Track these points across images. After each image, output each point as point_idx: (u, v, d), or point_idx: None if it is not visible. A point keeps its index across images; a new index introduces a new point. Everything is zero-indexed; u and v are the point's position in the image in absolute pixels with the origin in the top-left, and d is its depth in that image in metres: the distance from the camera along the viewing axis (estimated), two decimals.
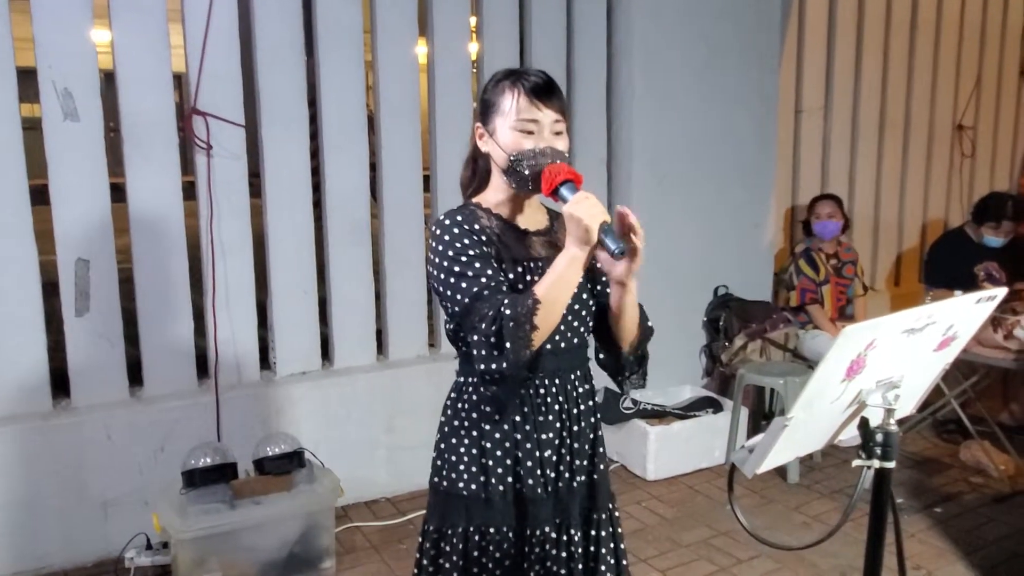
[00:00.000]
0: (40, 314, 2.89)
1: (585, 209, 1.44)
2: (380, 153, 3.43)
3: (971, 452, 3.78)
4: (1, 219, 2.78)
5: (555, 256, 1.53)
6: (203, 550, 2.67)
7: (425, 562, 1.69)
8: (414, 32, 3.43)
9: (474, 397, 1.63)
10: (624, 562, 1.75)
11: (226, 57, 3.05)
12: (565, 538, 1.66)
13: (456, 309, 1.54)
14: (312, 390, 3.35)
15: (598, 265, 1.59)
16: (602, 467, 1.73)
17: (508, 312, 1.46)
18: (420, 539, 1.73)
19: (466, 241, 1.55)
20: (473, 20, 3.64)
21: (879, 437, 1.38)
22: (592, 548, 1.70)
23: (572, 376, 1.66)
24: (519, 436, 1.62)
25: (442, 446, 1.68)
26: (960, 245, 4.29)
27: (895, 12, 5.12)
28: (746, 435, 3.79)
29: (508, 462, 1.62)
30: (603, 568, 1.70)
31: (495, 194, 1.65)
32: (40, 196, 2.86)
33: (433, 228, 1.60)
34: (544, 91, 1.56)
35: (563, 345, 1.63)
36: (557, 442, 1.65)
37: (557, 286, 1.49)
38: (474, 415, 1.63)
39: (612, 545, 1.73)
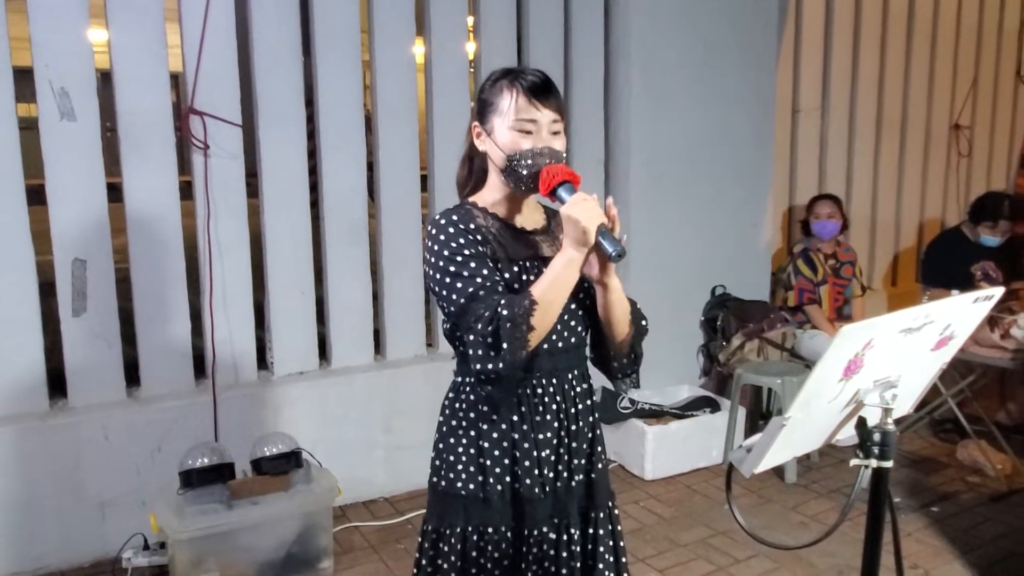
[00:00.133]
0: (37, 314, 2.88)
1: (582, 211, 1.44)
2: (377, 153, 3.43)
3: (968, 451, 3.79)
4: None
5: (552, 256, 1.53)
6: (200, 550, 2.66)
7: (424, 562, 1.69)
8: (411, 32, 3.43)
9: (472, 397, 1.63)
10: (623, 560, 1.75)
11: (223, 57, 3.05)
12: (565, 538, 1.66)
13: (452, 309, 1.54)
14: (309, 390, 3.35)
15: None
16: (600, 466, 1.73)
17: (505, 313, 1.46)
18: (419, 539, 1.73)
19: (461, 241, 1.55)
20: (470, 20, 3.64)
21: (876, 436, 1.38)
22: (591, 547, 1.70)
23: (569, 376, 1.66)
24: (516, 436, 1.62)
25: (440, 446, 1.68)
26: (957, 245, 4.29)
27: (892, 12, 5.13)
28: (744, 435, 3.80)
29: (506, 462, 1.62)
30: (601, 567, 1.70)
31: (492, 193, 1.64)
32: (37, 196, 2.86)
33: (429, 227, 1.60)
34: (542, 91, 1.56)
35: (560, 345, 1.63)
36: (555, 442, 1.65)
37: (554, 287, 1.49)
38: (472, 415, 1.63)
39: (611, 543, 1.73)
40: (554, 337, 1.60)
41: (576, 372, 1.68)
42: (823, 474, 3.71)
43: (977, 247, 4.21)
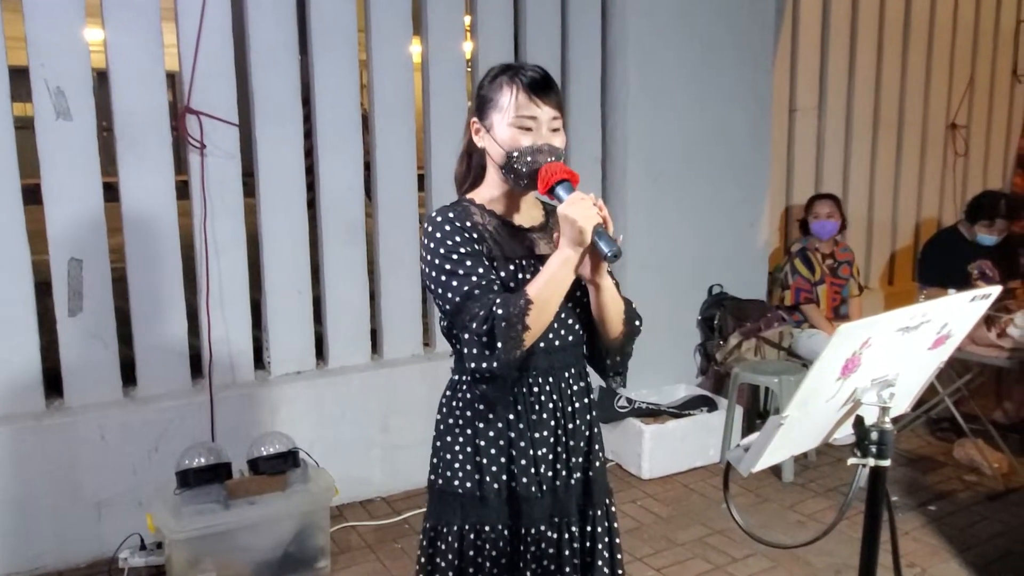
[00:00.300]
0: (33, 314, 2.88)
1: (579, 210, 1.44)
2: (374, 152, 3.43)
3: (965, 450, 3.79)
4: None
5: (549, 254, 1.53)
6: (197, 550, 2.66)
7: (424, 560, 1.70)
8: (408, 31, 3.43)
9: (468, 395, 1.63)
10: (619, 556, 1.75)
11: (220, 56, 3.04)
12: (567, 536, 1.66)
13: (448, 307, 1.54)
14: (307, 390, 3.34)
15: None
16: (598, 464, 1.73)
17: (500, 312, 1.46)
18: (420, 537, 1.73)
19: (457, 239, 1.54)
20: (467, 19, 3.63)
21: (874, 435, 1.38)
22: (588, 544, 1.70)
23: (566, 374, 1.66)
24: (513, 434, 1.62)
25: (438, 444, 1.68)
26: (954, 243, 4.30)
27: (889, 12, 5.14)
28: (741, 434, 3.80)
29: (502, 460, 1.62)
30: (600, 564, 1.70)
31: (490, 190, 1.64)
32: (33, 196, 2.85)
33: (426, 224, 1.60)
34: (542, 87, 1.55)
35: (557, 343, 1.62)
36: (552, 440, 1.65)
37: (550, 287, 1.48)
38: (468, 413, 1.63)
39: (608, 540, 1.73)
40: (551, 335, 1.60)
41: (573, 370, 1.68)
42: (820, 473, 3.71)
43: (974, 246, 4.22)
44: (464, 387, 1.64)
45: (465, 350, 1.50)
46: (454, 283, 1.52)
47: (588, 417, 1.71)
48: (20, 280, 2.83)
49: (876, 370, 1.37)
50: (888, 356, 1.36)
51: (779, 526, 3.25)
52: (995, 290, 1.44)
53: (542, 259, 1.57)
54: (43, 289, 2.91)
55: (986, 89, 5.80)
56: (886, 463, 1.39)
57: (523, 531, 1.64)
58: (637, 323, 1.69)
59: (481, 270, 1.53)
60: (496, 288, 1.53)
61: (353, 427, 3.42)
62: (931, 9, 5.36)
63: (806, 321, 4.17)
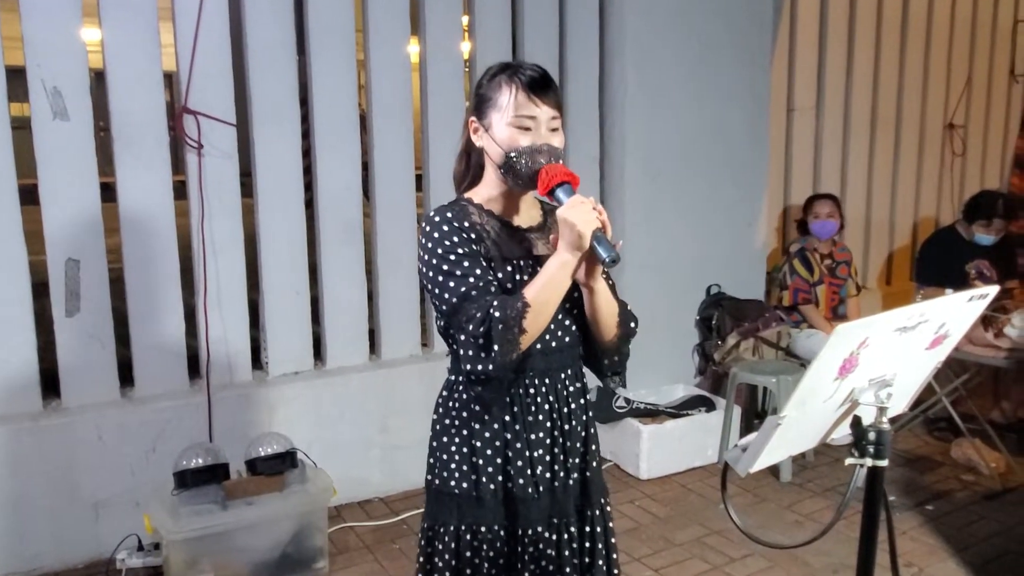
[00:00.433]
0: (30, 314, 2.87)
1: (579, 214, 1.43)
2: (372, 152, 3.43)
3: (962, 450, 3.80)
4: None
5: (547, 254, 1.52)
6: (195, 551, 2.66)
7: (422, 560, 1.70)
8: (406, 31, 3.43)
9: (465, 396, 1.63)
10: (615, 555, 1.75)
11: (217, 56, 3.04)
12: (566, 536, 1.66)
13: (445, 308, 1.54)
14: (305, 390, 3.34)
15: None
16: (595, 464, 1.73)
17: (497, 315, 1.45)
18: (419, 537, 1.73)
19: (455, 239, 1.54)
20: (465, 19, 3.63)
21: (871, 435, 1.38)
22: (588, 544, 1.70)
23: (562, 375, 1.66)
24: (509, 436, 1.61)
25: (434, 444, 1.68)
26: (951, 243, 4.30)
27: (886, 11, 5.14)
28: (739, 434, 3.80)
29: (498, 461, 1.62)
30: (600, 563, 1.70)
31: (488, 189, 1.63)
32: (30, 196, 2.85)
33: (423, 224, 1.59)
34: (541, 86, 1.54)
35: (553, 344, 1.62)
36: (548, 441, 1.65)
37: (547, 290, 1.48)
38: (464, 414, 1.63)
39: (604, 540, 1.73)
40: (547, 337, 1.60)
41: (569, 371, 1.67)
42: (818, 473, 3.71)
43: (971, 246, 4.22)
44: (460, 388, 1.64)
45: (461, 351, 1.50)
46: (451, 284, 1.52)
47: (584, 418, 1.71)
48: (17, 280, 2.83)
49: (874, 370, 1.37)
50: (886, 356, 1.36)
51: (777, 526, 3.25)
52: (992, 290, 1.44)
53: (540, 260, 1.57)
54: (40, 289, 2.91)
55: (984, 89, 5.81)
56: (884, 463, 1.39)
57: (520, 532, 1.63)
58: (632, 325, 1.68)
59: (479, 271, 1.53)
60: (493, 289, 1.53)
61: (351, 427, 3.42)
62: (929, 9, 5.36)
63: (804, 321, 4.18)
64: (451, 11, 3.50)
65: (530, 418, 1.62)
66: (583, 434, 1.70)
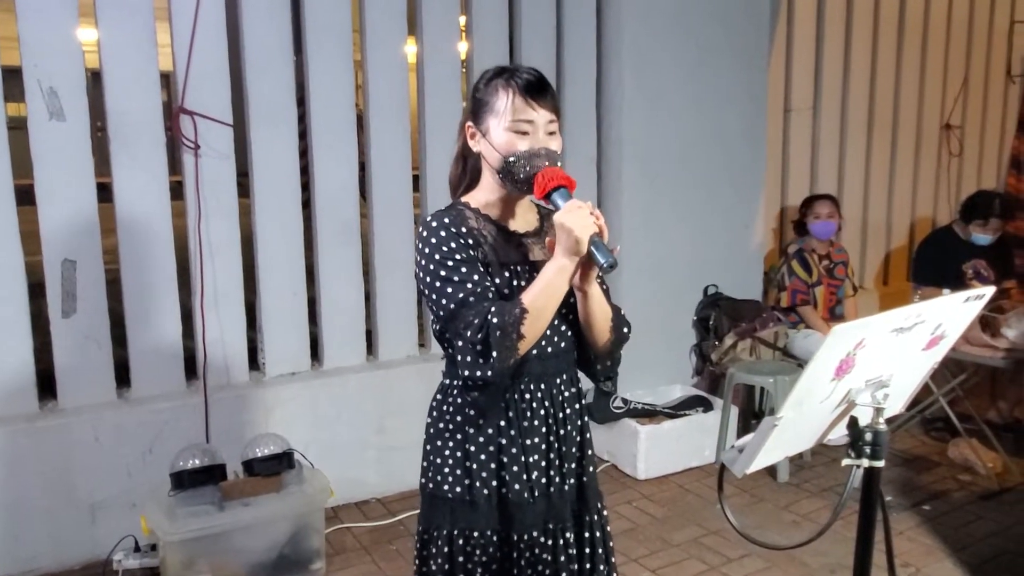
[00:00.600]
0: (26, 315, 2.86)
1: (576, 219, 1.42)
2: (369, 152, 3.42)
3: (959, 450, 3.80)
4: None
5: (543, 259, 1.52)
6: (192, 552, 2.65)
7: (418, 562, 1.70)
8: (403, 31, 3.42)
9: (459, 400, 1.62)
10: (612, 559, 1.75)
11: (214, 56, 3.03)
12: (562, 542, 1.65)
13: (442, 313, 1.53)
14: (302, 391, 3.34)
15: None
16: (591, 469, 1.73)
17: (495, 320, 1.45)
18: (415, 539, 1.73)
19: (453, 245, 1.53)
20: (462, 19, 3.63)
21: (868, 436, 1.38)
22: (588, 550, 1.70)
23: (558, 380, 1.65)
24: (504, 441, 1.61)
25: (428, 448, 1.68)
26: (948, 243, 4.30)
27: (883, 12, 5.15)
28: (736, 434, 3.80)
29: (492, 466, 1.61)
30: (601, 567, 1.70)
31: (485, 194, 1.63)
32: (26, 196, 2.84)
33: (420, 229, 1.58)
34: (538, 90, 1.54)
35: (549, 350, 1.62)
36: (544, 447, 1.64)
37: (544, 295, 1.48)
38: (459, 418, 1.62)
39: (602, 544, 1.73)
40: (543, 342, 1.59)
41: (565, 376, 1.67)
42: (815, 473, 3.72)
43: (968, 245, 4.22)
44: (455, 392, 1.63)
45: (459, 357, 1.49)
46: (449, 289, 1.51)
47: (580, 423, 1.70)
48: (13, 281, 2.82)
49: (870, 371, 1.37)
50: (882, 357, 1.37)
51: (774, 526, 3.25)
52: (989, 290, 1.44)
53: (536, 265, 1.56)
54: (36, 290, 2.91)
55: (980, 89, 5.82)
56: (880, 464, 1.39)
57: (516, 537, 1.63)
58: (625, 330, 1.67)
59: (476, 277, 1.52)
60: (491, 295, 1.52)
61: (348, 428, 3.41)
62: (925, 9, 5.37)
63: (802, 321, 4.18)
64: (448, 12, 3.49)
65: (525, 423, 1.62)
66: (579, 439, 1.70)
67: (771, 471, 3.65)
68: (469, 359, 1.47)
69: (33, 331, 2.90)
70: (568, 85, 3.81)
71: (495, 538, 1.62)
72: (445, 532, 1.63)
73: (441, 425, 1.65)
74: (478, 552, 1.62)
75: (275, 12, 3.14)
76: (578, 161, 3.82)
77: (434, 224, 1.56)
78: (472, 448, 1.61)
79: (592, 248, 1.43)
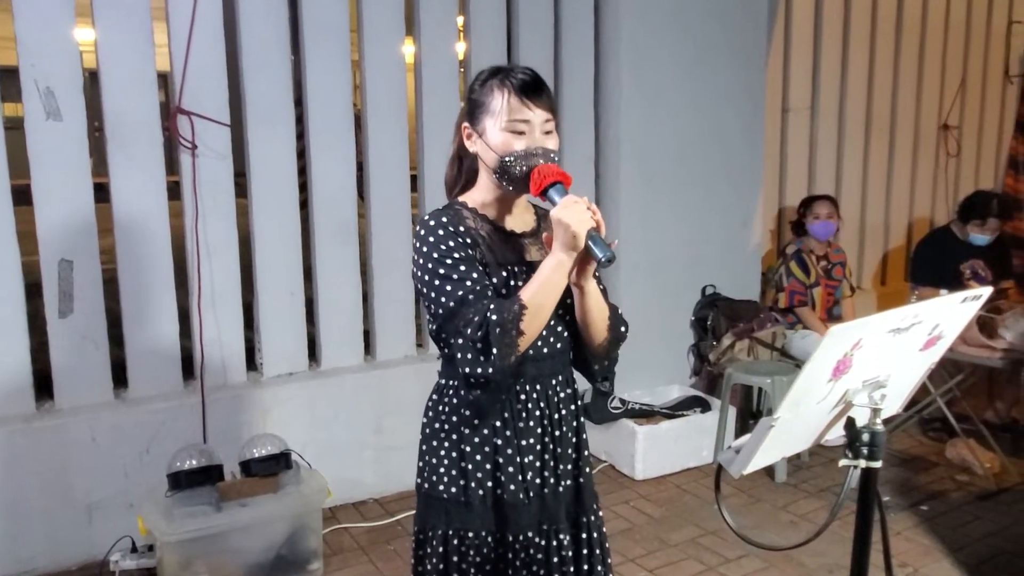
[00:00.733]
0: (23, 315, 2.86)
1: (573, 214, 1.42)
2: (367, 152, 3.42)
3: (957, 450, 3.80)
4: None
5: (541, 259, 1.52)
6: (189, 553, 2.65)
7: (413, 562, 1.70)
8: (401, 31, 3.42)
9: (455, 400, 1.62)
10: (608, 560, 1.75)
11: (211, 56, 3.03)
12: (555, 543, 1.65)
13: (440, 312, 1.53)
14: (299, 391, 3.33)
15: None
16: (587, 470, 1.73)
17: (494, 318, 1.44)
18: (411, 540, 1.73)
19: (451, 243, 1.53)
20: (460, 19, 3.63)
21: (865, 437, 1.38)
22: (585, 551, 1.70)
23: (553, 381, 1.65)
24: (499, 441, 1.61)
25: (423, 448, 1.68)
26: (946, 243, 4.31)
27: (881, 12, 5.15)
28: (734, 434, 3.80)
29: (488, 467, 1.61)
30: (598, 568, 1.70)
31: (482, 194, 1.63)
32: (23, 196, 2.84)
33: (418, 228, 1.58)
34: (534, 90, 1.53)
35: (545, 351, 1.61)
36: (539, 448, 1.64)
37: (543, 291, 1.47)
38: (454, 418, 1.62)
39: (599, 545, 1.72)
40: (539, 343, 1.59)
41: (560, 377, 1.66)
42: (813, 473, 3.72)
43: (966, 246, 4.23)
44: (451, 391, 1.63)
45: (459, 356, 1.49)
46: (448, 288, 1.51)
47: (576, 424, 1.70)
48: (10, 281, 2.82)
49: (867, 371, 1.37)
50: (879, 357, 1.37)
51: (772, 526, 3.25)
52: (986, 291, 1.44)
53: (533, 265, 1.56)
54: (33, 290, 2.90)
55: (978, 90, 5.82)
56: (877, 465, 1.40)
57: (511, 538, 1.63)
58: (623, 329, 1.67)
59: (475, 275, 1.52)
60: (490, 294, 1.52)
61: (346, 428, 3.41)
62: (923, 10, 5.37)
63: (799, 322, 4.18)
64: (446, 11, 3.49)
65: (521, 424, 1.62)
66: (575, 440, 1.70)
67: (769, 471, 3.65)
68: (469, 357, 1.47)
69: (30, 331, 2.89)
70: (566, 84, 3.81)
71: (490, 539, 1.62)
72: (440, 532, 1.63)
73: (437, 425, 1.65)
74: (472, 552, 1.62)
75: (272, 11, 3.13)
76: (576, 160, 3.82)
77: (432, 223, 1.56)
78: (468, 448, 1.61)
79: (589, 243, 1.43)
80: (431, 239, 1.54)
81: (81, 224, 2.89)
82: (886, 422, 1.41)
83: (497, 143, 1.53)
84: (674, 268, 4.04)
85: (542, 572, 1.64)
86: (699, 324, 4.13)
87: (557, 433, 1.65)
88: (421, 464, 1.68)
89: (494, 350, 1.44)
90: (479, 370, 1.47)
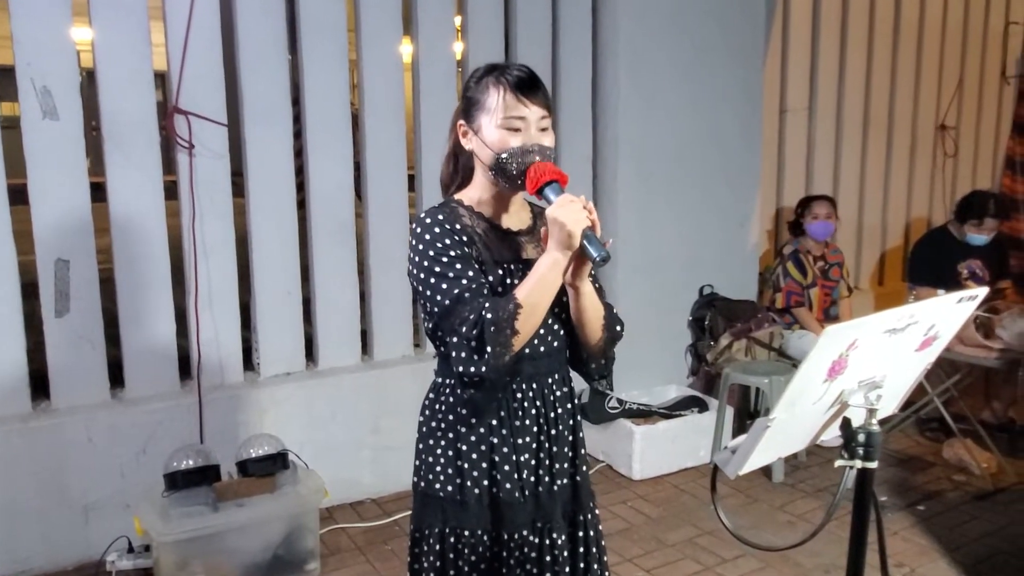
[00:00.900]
0: (19, 315, 2.86)
1: (568, 213, 1.42)
2: (365, 152, 3.42)
3: (954, 450, 3.81)
4: None
5: (536, 258, 1.52)
6: (186, 553, 2.64)
7: (410, 560, 1.70)
8: (398, 30, 3.42)
9: (451, 399, 1.62)
10: (605, 559, 1.75)
11: (208, 55, 3.03)
12: (548, 542, 1.65)
13: (436, 310, 1.53)
14: (296, 391, 3.33)
15: None
16: (584, 469, 1.73)
17: (489, 316, 1.44)
18: (408, 539, 1.73)
19: (447, 241, 1.53)
20: (458, 19, 3.63)
21: (861, 437, 1.38)
22: (582, 549, 1.70)
23: (549, 380, 1.65)
24: (495, 440, 1.61)
25: (420, 447, 1.68)
26: (943, 243, 4.31)
27: (878, 13, 5.15)
28: (731, 434, 3.80)
29: (484, 465, 1.61)
30: (596, 567, 1.70)
31: (478, 192, 1.62)
32: (19, 196, 2.83)
33: (414, 226, 1.58)
34: (529, 87, 1.53)
35: (542, 349, 1.61)
36: (535, 446, 1.64)
37: (538, 290, 1.47)
38: (451, 417, 1.62)
39: (596, 543, 1.73)
40: (535, 342, 1.59)
41: (556, 376, 1.66)
42: (810, 473, 3.72)
43: (964, 246, 4.23)
44: (447, 390, 1.63)
45: (453, 354, 1.49)
46: (443, 286, 1.51)
47: (572, 423, 1.70)
48: (6, 281, 2.81)
49: (863, 372, 1.37)
50: (875, 358, 1.36)
51: (769, 526, 3.25)
52: (982, 291, 1.44)
53: (529, 263, 1.56)
54: (29, 290, 2.89)
55: (975, 90, 5.83)
56: (873, 465, 1.40)
57: (506, 536, 1.63)
58: (618, 328, 1.67)
59: (471, 273, 1.52)
60: (486, 292, 1.52)
61: (343, 428, 3.41)
62: (920, 11, 5.38)
63: (797, 322, 4.18)
64: (444, 11, 3.49)
65: (516, 423, 1.62)
66: (571, 439, 1.70)
67: (766, 471, 3.66)
68: (464, 355, 1.47)
69: (26, 331, 2.89)
70: (564, 84, 3.80)
71: (486, 537, 1.62)
72: (436, 531, 1.63)
73: (433, 424, 1.65)
74: (468, 551, 1.62)
75: (270, 11, 3.13)
76: (574, 160, 3.82)
77: (428, 220, 1.56)
78: (463, 447, 1.61)
79: (585, 242, 1.43)
80: (427, 237, 1.54)
81: (78, 223, 2.89)
82: (883, 422, 1.41)
83: (493, 140, 1.53)
84: (672, 268, 4.04)
85: (537, 571, 1.64)
86: (696, 324, 4.13)
87: (553, 432, 1.65)
88: (418, 463, 1.68)
89: (488, 348, 1.44)
90: (473, 368, 1.46)
